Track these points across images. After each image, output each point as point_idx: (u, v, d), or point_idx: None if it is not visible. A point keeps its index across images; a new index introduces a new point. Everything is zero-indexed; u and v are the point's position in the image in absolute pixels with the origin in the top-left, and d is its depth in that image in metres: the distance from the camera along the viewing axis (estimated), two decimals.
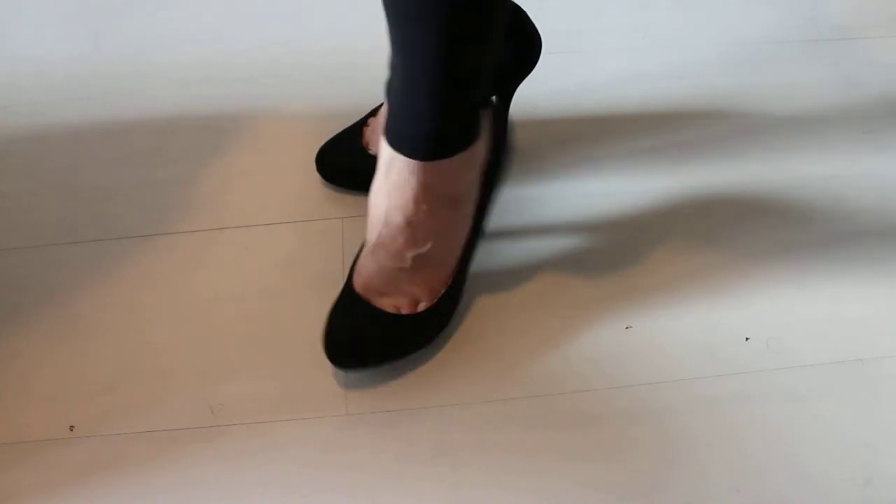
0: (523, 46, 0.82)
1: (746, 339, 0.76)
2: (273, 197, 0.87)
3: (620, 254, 0.82)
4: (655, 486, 0.68)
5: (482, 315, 0.77)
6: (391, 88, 0.66)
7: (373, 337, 0.72)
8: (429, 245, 0.70)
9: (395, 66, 0.63)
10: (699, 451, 0.70)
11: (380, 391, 0.74)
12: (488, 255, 0.81)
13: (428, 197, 0.67)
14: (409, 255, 0.70)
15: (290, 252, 0.83)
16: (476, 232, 0.73)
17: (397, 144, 0.66)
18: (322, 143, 0.87)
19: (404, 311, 0.72)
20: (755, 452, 0.70)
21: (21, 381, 0.75)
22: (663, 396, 0.73)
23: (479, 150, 0.68)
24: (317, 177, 0.87)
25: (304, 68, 0.99)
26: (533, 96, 0.91)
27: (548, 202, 0.85)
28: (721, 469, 0.69)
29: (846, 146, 0.91)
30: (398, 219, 0.68)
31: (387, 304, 0.72)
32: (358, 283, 0.72)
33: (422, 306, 0.73)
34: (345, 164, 0.86)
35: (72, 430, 0.72)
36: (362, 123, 0.87)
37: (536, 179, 0.87)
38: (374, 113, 0.87)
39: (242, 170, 0.90)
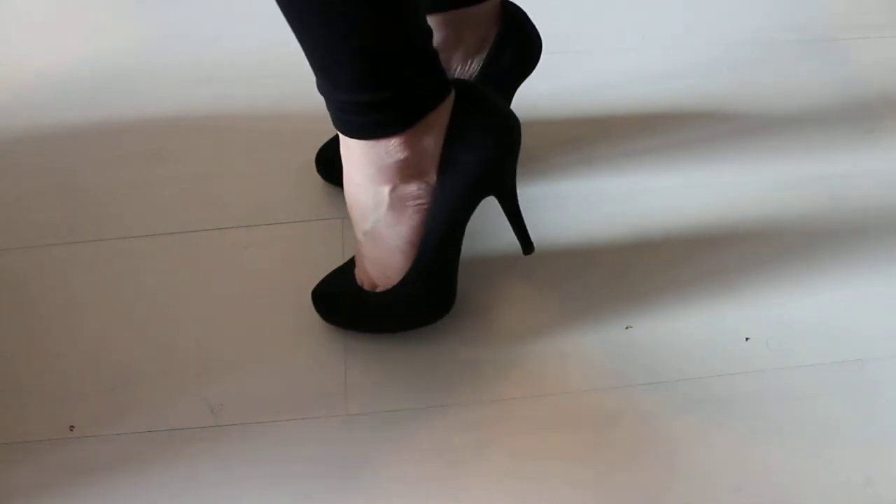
0: (523, 47, 0.82)
1: (746, 339, 0.76)
2: (273, 197, 0.87)
3: (620, 254, 0.82)
4: (656, 486, 0.68)
5: (481, 315, 0.78)
6: None
7: (336, 295, 0.75)
8: (369, 224, 0.69)
9: (300, 43, 0.62)
10: (700, 451, 0.70)
11: (380, 391, 0.74)
12: (487, 255, 0.81)
13: (358, 173, 0.67)
14: (361, 229, 0.70)
15: (290, 252, 0.83)
16: (448, 242, 0.70)
17: (328, 108, 0.66)
18: (322, 142, 0.87)
19: (365, 286, 0.73)
20: (755, 452, 0.70)
21: (21, 381, 0.75)
22: (663, 396, 0.73)
23: (412, 138, 0.64)
24: (317, 177, 0.87)
25: (304, 68, 0.98)
26: (533, 96, 0.91)
27: (547, 202, 0.85)
28: (722, 469, 0.69)
29: (846, 146, 0.91)
30: (346, 190, 0.70)
31: (357, 274, 0.74)
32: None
33: (378, 289, 0.73)
34: None
35: (72, 430, 0.72)
36: None
37: (536, 180, 0.87)
38: None
39: (242, 170, 0.90)
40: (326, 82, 0.63)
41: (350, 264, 0.76)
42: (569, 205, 0.85)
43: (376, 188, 0.67)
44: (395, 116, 0.63)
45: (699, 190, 0.87)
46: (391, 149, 0.64)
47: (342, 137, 0.66)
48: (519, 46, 0.81)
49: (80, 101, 0.97)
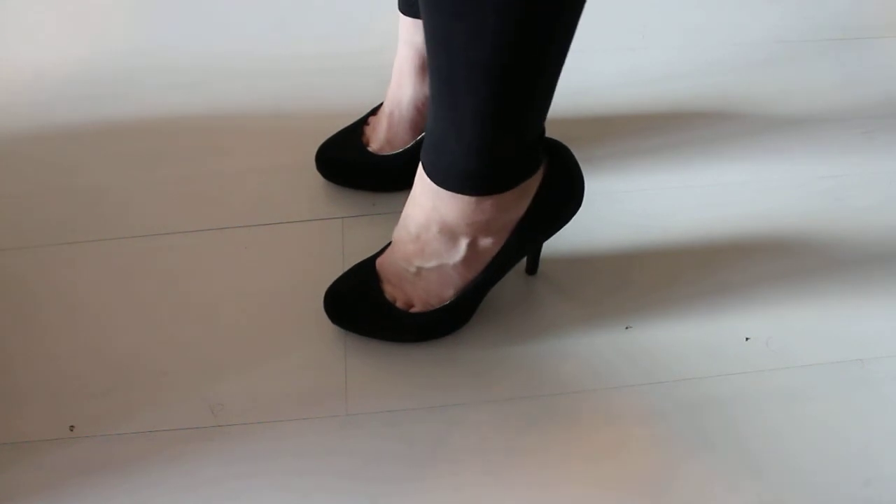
0: None
1: (746, 339, 0.76)
2: (273, 197, 0.87)
3: (620, 253, 0.82)
4: (656, 486, 0.68)
5: (482, 315, 0.78)
6: (429, 117, 0.65)
7: (360, 305, 0.75)
8: (432, 263, 0.71)
9: (435, 106, 0.62)
10: (699, 450, 0.70)
11: (380, 391, 0.74)
12: None
13: (439, 223, 0.68)
14: (415, 263, 0.72)
15: (290, 252, 0.83)
16: (499, 273, 0.73)
17: (426, 166, 0.66)
18: (322, 142, 0.87)
19: (398, 304, 0.74)
20: (755, 452, 0.70)
21: (21, 381, 0.75)
22: (663, 396, 0.73)
23: (507, 200, 0.67)
24: (317, 177, 0.87)
25: (304, 68, 0.99)
26: None
27: None
28: (721, 469, 0.69)
29: (846, 146, 0.91)
30: (412, 229, 0.70)
31: (388, 289, 0.75)
32: (378, 260, 0.76)
33: (413, 310, 0.74)
34: (344, 160, 0.86)
35: (72, 430, 0.72)
36: (363, 122, 0.87)
37: None
38: (374, 111, 0.88)
39: (242, 170, 0.90)
40: (447, 159, 0.64)
41: (370, 273, 0.76)
42: None
43: (456, 238, 0.69)
44: (498, 183, 0.65)
45: (699, 190, 0.87)
46: (485, 208, 0.66)
47: (434, 190, 0.66)
48: None
49: (80, 101, 0.97)
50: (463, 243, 0.69)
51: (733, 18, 1.04)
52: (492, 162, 0.63)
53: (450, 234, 0.69)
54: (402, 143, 0.83)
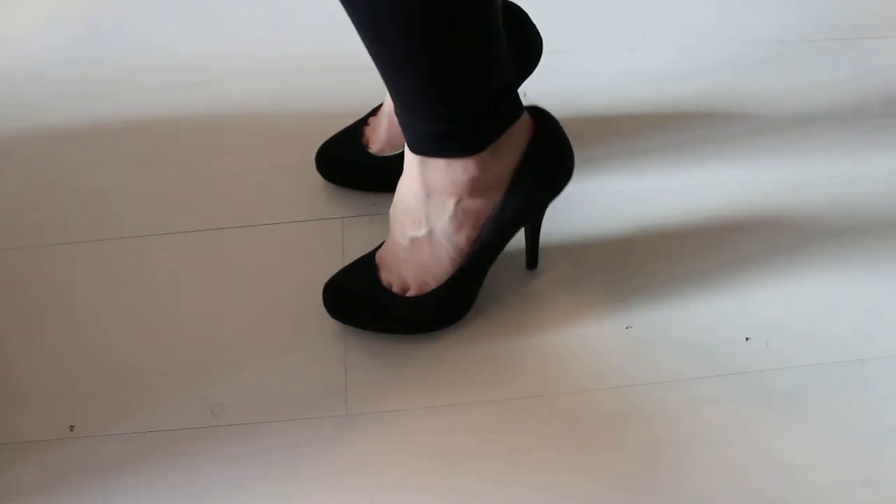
0: (524, 47, 0.82)
1: (746, 339, 0.76)
2: (273, 197, 0.87)
3: (620, 254, 0.82)
4: (655, 486, 0.68)
5: (481, 315, 0.78)
6: None
7: (357, 296, 0.76)
8: (423, 231, 0.71)
9: (385, 85, 0.65)
10: (699, 450, 0.70)
11: (380, 391, 0.74)
12: None
13: (426, 187, 0.69)
14: (408, 234, 0.72)
15: (290, 252, 0.83)
16: (490, 249, 0.73)
17: (403, 131, 0.68)
18: (322, 142, 0.87)
19: (394, 289, 0.75)
20: (755, 452, 0.70)
21: (21, 381, 0.75)
22: (663, 396, 0.73)
23: (485, 158, 0.67)
24: (317, 177, 0.87)
25: (304, 68, 0.99)
26: (532, 96, 0.91)
27: None
28: (721, 469, 0.69)
29: (846, 146, 0.91)
30: (404, 197, 0.71)
31: (384, 276, 0.75)
32: (378, 253, 0.77)
33: (409, 293, 0.74)
34: (344, 161, 0.86)
35: (72, 430, 0.72)
36: (363, 122, 0.87)
37: None
38: (374, 112, 0.87)
39: (242, 170, 0.90)
40: (408, 114, 0.65)
41: (369, 266, 0.76)
42: (569, 204, 0.85)
43: (443, 199, 0.69)
44: (468, 143, 0.66)
45: (699, 190, 0.87)
46: (468, 167, 0.67)
47: (417, 158, 0.68)
48: (520, 46, 0.81)
49: (80, 101, 0.97)
50: (450, 203, 0.69)
51: (733, 19, 1.04)
52: (454, 125, 0.64)
53: (437, 198, 0.69)
54: (402, 143, 0.83)
